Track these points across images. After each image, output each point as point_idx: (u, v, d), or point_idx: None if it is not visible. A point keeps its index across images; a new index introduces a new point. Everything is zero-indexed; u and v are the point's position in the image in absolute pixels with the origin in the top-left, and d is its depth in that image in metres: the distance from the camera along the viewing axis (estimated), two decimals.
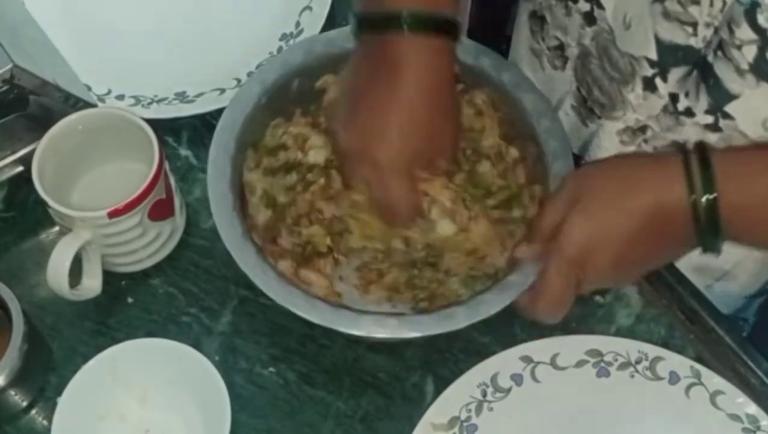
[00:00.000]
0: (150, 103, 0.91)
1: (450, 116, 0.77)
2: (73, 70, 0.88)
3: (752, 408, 0.77)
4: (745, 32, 0.67)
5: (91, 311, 0.83)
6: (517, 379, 0.78)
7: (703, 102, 0.74)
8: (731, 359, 0.81)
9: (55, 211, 0.77)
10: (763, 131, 0.73)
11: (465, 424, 0.77)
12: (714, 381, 0.78)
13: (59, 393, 0.76)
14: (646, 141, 0.80)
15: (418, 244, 0.77)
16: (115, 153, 0.83)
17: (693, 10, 0.70)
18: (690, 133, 0.76)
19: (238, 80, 0.92)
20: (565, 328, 0.81)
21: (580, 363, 0.79)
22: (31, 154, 0.79)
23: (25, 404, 0.79)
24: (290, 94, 0.81)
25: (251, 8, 0.98)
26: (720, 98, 0.72)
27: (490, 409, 0.77)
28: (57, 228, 0.84)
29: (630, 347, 0.79)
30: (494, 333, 0.82)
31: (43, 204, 0.77)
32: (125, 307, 0.84)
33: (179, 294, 0.84)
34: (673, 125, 0.77)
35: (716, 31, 0.69)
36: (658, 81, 0.75)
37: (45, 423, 0.79)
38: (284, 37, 0.96)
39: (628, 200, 0.70)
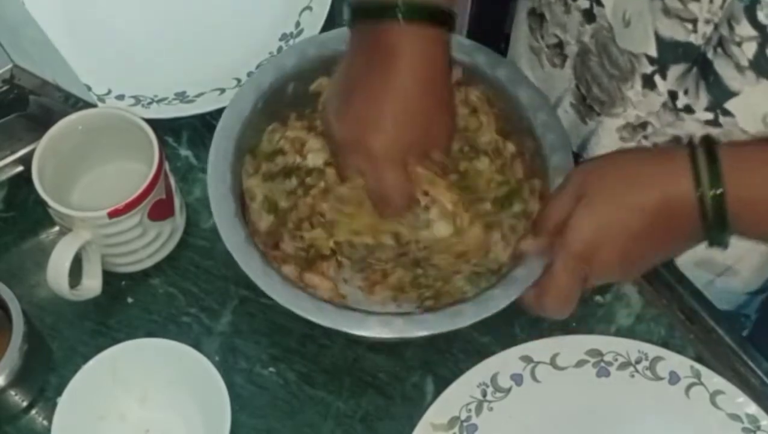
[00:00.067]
0: (150, 103, 0.91)
1: (445, 107, 0.77)
2: (73, 70, 0.88)
3: (752, 408, 0.77)
4: (745, 29, 0.67)
5: (91, 311, 0.83)
6: (517, 379, 0.78)
7: (702, 99, 0.74)
8: (731, 359, 0.81)
9: (55, 211, 0.77)
10: (764, 127, 0.73)
11: (465, 424, 0.77)
12: (714, 380, 0.78)
13: (59, 393, 0.76)
14: (646, 137, 0.80)
15: (408, 240, 0.76)
16: (115, 153, 0.83)
17: (693, 6, 0.70)
18: (691, 128, 0.76)
19: (238, 80, 0.92)
20: (565, 328, 0.81)
21: (580, 363, 0.79)
22: (31, 154, 0.79)
23: (25, 404, 0.79)
24: (285, 98, 0.81)
25: (251, 8, 0.98)
26: (720, 95, 0.72)
27: (490, 409, 0.77)
28: (57, 228, 0.84)
29: (630, 347, 0.79)
30: (494, 333, 0.82)
31: (43, 204, 0.77)
32: (125, 307, 0.84)
33: (179, 294, 0.84)
34: (673, 121, 0.77)
35: (716, 27, 0.69)
36: (657, 78, 0.75)
37: (45, 423, 0.79)
38: (284, 37, 0.96)
39: (634, 195, 0.70)
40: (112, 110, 0.83)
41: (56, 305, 0.82)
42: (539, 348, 0.79)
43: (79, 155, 0.82)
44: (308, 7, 0.97)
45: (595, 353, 0.79)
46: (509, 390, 0.78)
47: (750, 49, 0.68)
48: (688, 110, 0.75)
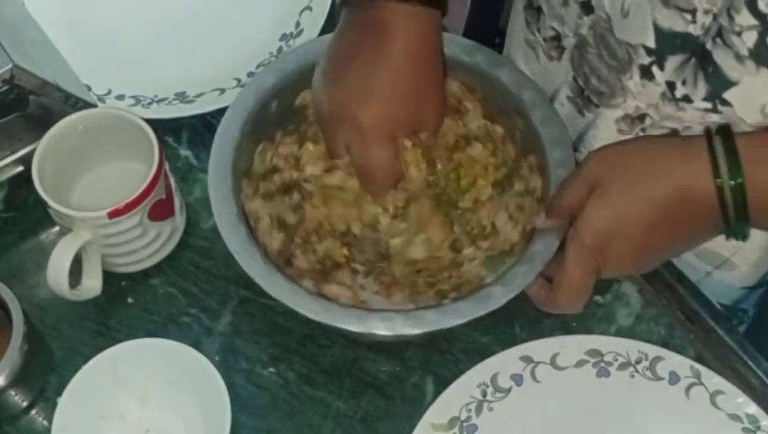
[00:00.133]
0: (150, 104, 0.91)
1: (436, 86, 0.78)
2: (73, 70, 0.88)
3: (752, 408, 0.77)
4: (745, 18, 0.67)
5: (91, 312, 0.83)
6: (517, 379, 0.78)
7: (701, 89, 0.73)
8: (731, 359, 0.81)
9: (55, 211, 0.77)
10: (762, 118, 0.72)
11: (465, 424, 0.77)
12: (714, 381, 0.78)
13: (59, 393, 0.76)
14: (644, 130, 0.80)
15: (378, 230, 0.78)
16: (115, 153, 0.83)
17: None
18: (689, 117, 0.76)
19: (238, 80, 0.92)
20: (565, 328, 0.81)
21: (580, 363, 0.79)
22: (31, 154, 0.79)
23: (25, 404, 0.79)
24: (269, 117, 0.80)
25: (251, 8, 0.98)
26: (719, 85, 0.72)
27: (490, 409, 0.77)
28: (57, 228, 0.84)
29: (630, 347, 0.79)
30: (494, 333, 0.82)
31: (43, 204, 0.77)
32: (125, 307, 0.84)
33: (179, 294, 0.84)
34: (673, 112, 0.77)
35: (715, 17, 0.69)
36: (654, 69, 0.75)
37: (45, 423, 0.79)
38: (284, 37, 0.96)
39: (650, 186, 0.69)
40: (112, 110, 0.83)
41: (56, 306, 0.82)
42: (539, 348, 0.79)
43: (79, 155, 0.82)
44: (308, 7, 0.97)
45: (595, 353, 0.79)
46: (509, 390, 0.78)
47: (750, 38, 0.68)
48: (687, 100, 0.75)
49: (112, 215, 0.76)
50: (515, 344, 0.79)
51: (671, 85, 0.75)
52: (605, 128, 0.82)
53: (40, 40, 0.88)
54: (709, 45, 0.70)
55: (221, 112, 0.80)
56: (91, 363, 0.76)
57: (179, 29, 0.98)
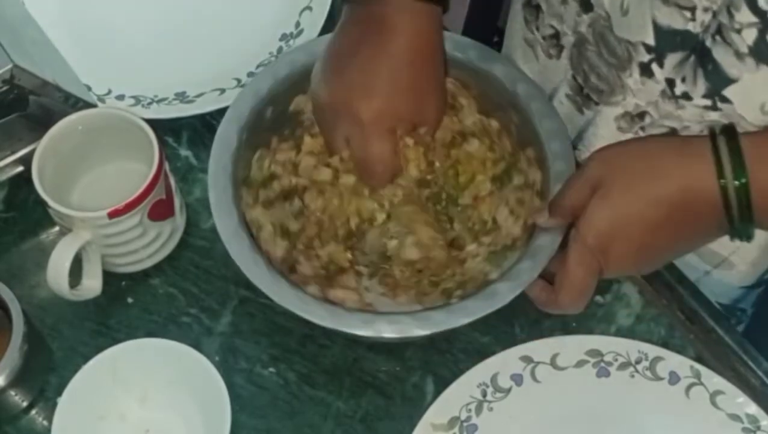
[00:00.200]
0: (150, 104, 0.91)
1: (436, 82, 0.78)
2: (73, 70, 0.88)
3: (752, 408, 0.77)
4: (745, 16, 0.67)
5: (91, 312, 0.83)
6: (517, 379, 0.78)
7: (700, 87, 0.73)
8: (731, 359, 0.81)
9: (55, 211, 0.77)
10: (761, 115, 0.72)
11: (465, 424, 0.77)
12: (714, 381, 0.78)
13: (59, 393, 0.76)
14: (643, 128, 0.80)
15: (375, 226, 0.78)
16: (115, 153, 0.83)
17: None
18: (690, 115, 0.76)
19: (238, 80, 0.92)
20: (565, 328, 0.81)
21: (580, 363, 0.79)
22: (31, 154, 0.79)
23: (25, 404, 0.79)
24: (265, 123, 0.80)
25: (251, 8, 0.98)
26: (718, 82, 0.72)
27: (490, 409, 0.77)
28: (57, 228, 0.84)
29: (630, 347, 0.79)
30: (494, 333, 0.82)
31: (43, 204, 0.77)
32: (125, 307, 0.84)
33: (179, 294, 0.84)
34: (672, 110, 0.77)
35: (714, 15, 0.69)
36: (654, 66, 0.75)
37: (45, 423, 0.79)
38: (284, 37, 0.96)
39: (653, 187, 0.69)
40: (112, 110, 0.83)
41: (56, 306, 0.82)
42: (539, 348, 0.79)
43: (79, 155, 0.82)
44: (308, 7, 0.97)
45: (595, 353, 0.79)
46: (509, 390, 0.78)
47: (750, 35, 0.68)
48: (686, 97, 0.75)
49: (112, 215, 0.76)
50: (515, 344, 0.79)
51: (671, 83, 0.75)
52: (605, 126, 0.82)
53: (40, 40, 0.88)
54: (708, 42, 0.70)
55: (221, 112, 0.80)
56: (91, 363, 0.76)
57: (179, 29, 0.98)
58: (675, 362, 0.79)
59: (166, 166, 0.80)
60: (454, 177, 0.80)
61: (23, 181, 0.83)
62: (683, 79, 0.74)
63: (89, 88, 0.90)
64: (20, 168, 0.85)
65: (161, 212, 0.80)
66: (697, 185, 0.68)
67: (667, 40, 0.73)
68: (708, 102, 0.74)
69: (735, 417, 0.77)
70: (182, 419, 0.78)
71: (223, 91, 0.91)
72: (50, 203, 0.77)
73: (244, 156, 0.79)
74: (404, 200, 0.79)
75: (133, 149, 0.81)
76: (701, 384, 0.78)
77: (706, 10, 0.69)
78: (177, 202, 0.83)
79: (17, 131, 0.84)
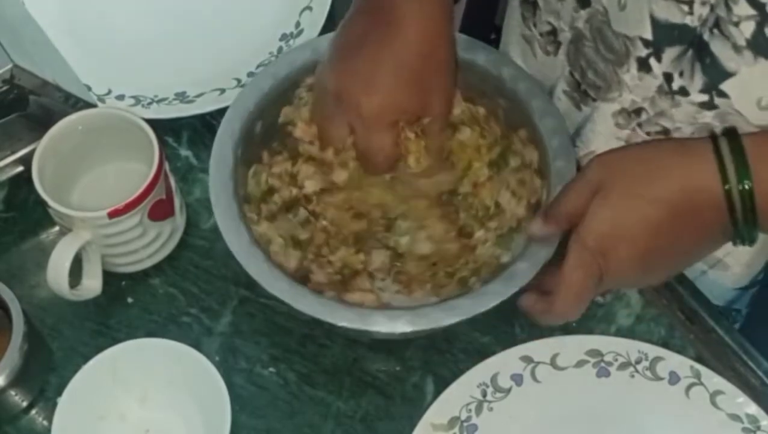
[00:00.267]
0: (150, 104, 0.91)
1: (444, 72, 0.78)
2: (73, 70, 0.88)
3: (752, 408, 0.77)
4: (743, 8, 0.67)
5: (91, 312, 0.83)
6: (517, 379, 0.78)
7: (697, 81, 0.73)
8: (731, 359, 0.81)
9: (55, 211, 0.77)
10: (758, 111, 0.72)
11: (465, 424, 0.77)
12: (714, 381, 0.78)
13: (59, 393, 0.76)
14: (640, 125, 0.80)
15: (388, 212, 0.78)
16: (115, 153, 0.83)
17: None
18: (683, 114, 0.76)
19: (238, 80, 0.92)
20: (565, 328, 0.81)
21: (580, 363, 0.79)
22: (31, 154, 0.79)
23: (25, 404, 0.79)
24: (255, 138, 0.80)
25: (251, 8, 0.98)
26: (716, 76, 0.72)
27: (490, 409, 0.77)
28: (57, 228, 0.84)
29: (630, 347, 0.79)
30: (494, 333, 0.82)
31: (43, 204, 0.77)
32: (125, 307, 0.84)
33: (179, 294, 0.84)
34: (667, 108, 0.77)
35: (712, 9, 0.69)
36: (652, 61, 0.75)
37: (45, 423, 0.79)
38: (284, 37, 0.96)
39: (655, 187, 0.68)
40: (112, 110, 0.83)
41: (56, 306, 0.82)
42: (539, 348, 0.79)
43: (79, 155, 0.82)
44: (308, 7, 0.97)
45: (595, 353, 0.79)
46: (509, 390, 0.78)
47: (748, 28, 0.67)
48: (683, 92, 0.75)
49: (112, 215, 0.76)
50: (515, 344, 0.79)
51: (668, 77, 0.75)
52: (602, 122, 0.82)
53: (40, 40, 0.88)
54: (706, 36, 0.70)
55: (221, 112, 0.80)
56: (91, 363, 0.76)
57: (179, 29, 0.98)
58: (675, 362, 0.79)
59: (166, 166, 0.80)
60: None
61: (23, 181, 0.83)
62: (681, 74, 0.74)
63: (89, 88, 0.90)
64: (20, 168, 0.85)
65: (161, 212, 0.80)
66: (699, 185, 0.67)
67: (664, 35, 0.73)
68: (705, 98, 0.74)
69: (735, 417, 0.77)
70: (182, 419, 0.78)
71: (223, 91, 0.91)
72: (50, 203, 0.77)
73: (242, 172, 0.79)
74: (416, 193, 0.79)
75: (133, 149, 0.80)
76: (701, 384, 0.78)
77: (703, 3, 0.69)
78: (177, 202, 0.83)
79: (17, 131, 0.84)
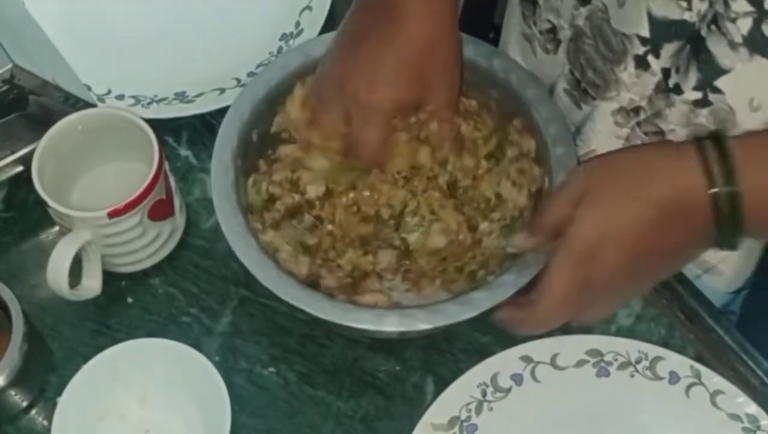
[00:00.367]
0: (150, 103, 0.91)
1: (448, 67, 0.78)
2: (73, 70, 0.88)
3: (752, 408, 0.77)
4: (741, 5, 0.67)
5: (91, 312, 0.83)
6: (517, 379, 0.78)
7: (692, 78, 0.73)
8: (731, 359, 0.81)
9: (55, 211, 0.77)
10: (750, 111, 0.72)
11: (465, 424, 0.77)
12: (714, 380, 0.78)
13: (59, 393, 0.76)
14: (639, 124, 0.80)
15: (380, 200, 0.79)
16: (115, 153, 0.83)
17: None
18: (678, 114, 0.76)
19: (238, 80, 0.92)
20: (565, 328, 0.81)
21: (580, 363, 0.79)
22: (31, 154, 0.79)
23: (25, 404, 0.79)
24: (252, 147, 0.80)
25: (251, 8, 0.98)
26: (710, 73, 0.72)
27: (490, 409, 0.77)
28: (57, 228, 0.84)
29: (630, 347, 0.79)
30: (494, 333, 0.81)
31: (43, 204, 0.77)
32: (125, 307, 0.84)
33: (179, 294, 0.84)
34: (662, 107, 0.77)
35: (711, 4, 0.69)
36: (650, 58, 0.75)
37: (45, 423, 0.79)
38: (284, 37, 0.96)
39: (641, 188, 0.66)
40: (112, 110, 0.83)
41: (56, 306, 0.82)
42: (539, 348, 0.79)
43: (79, 155, 0.82)
44: (308, 7, 0.97)
45: (595, 353, 0.79)
46: (509, 390, 0.78)
47: (745, 25, 0.67)
48: (677, 89, 0.75)
49: (112, 215, 0.76)
50: (515, 344, 0.79)
51: (666, 73, 0.75)
52: (602, 121, 0.82)
53: (40, 40, 0.88)
54: (704, 32, 0.70)
55: (221, 112, 0.80)
56: (91, 363, 0.76)
57: (179, 29, 0.98)
58: (675, 362, 0.79)
59: (166, 166, 0.80)
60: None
61: (23, 181, 0.83)
62: (677, 70, 0.74)
63: (89, 88, 0.90)
64: (20, 168, 0.85)
65: (161, 212, 0.80)
66: (686, 186, 0.65)
67: (662, 31, 0.73)
68: (698, 95, 0.73)
69: (735, 417, 0.77)
70: (182, 419, 0.78)
71: (223, 91, 0.91)
72: (50, 202, 0.77)
73: (243, 183, 0.79)
74: (428, 186, 0.79)
75: (133, 149, 0.80)
76: (701, 383, 0.78)
77: None
78: (177, 202, 0.83)
79: (17, 131, 0.84)
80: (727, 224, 0.65)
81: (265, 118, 0.81)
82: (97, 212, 0.76)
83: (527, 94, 0.80)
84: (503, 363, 0.79)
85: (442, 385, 0.78)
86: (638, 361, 0.79)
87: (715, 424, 0.77)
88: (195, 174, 0.89)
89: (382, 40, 0.75)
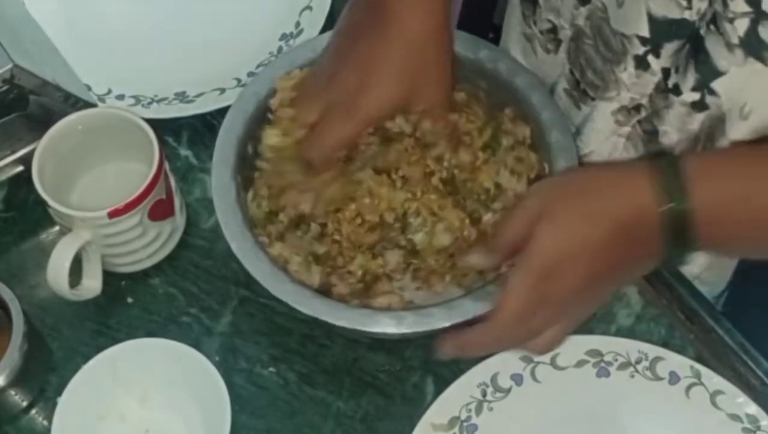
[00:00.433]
0: (150, 103, 0.91)
1: (440, 65, 0.78)
2: (73, 70, 0.88)
3: (752, 408, 0.77)
4: (739, 5, 0.67)
5: (91, 312, 0.83)
6: (517, 379, 0.78)
7: (690, 79, 0.73)
8: (731, 359, 0.81)
9: (55, 211, 0.77)
10: (740, 120, 0.72)
11: (465, 424, 0.77)
12: (714, 381, 0.78)
13: (59, 393, 0.76)
14: (640, 123, 0.80)
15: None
16: (115, 153, 0.83)
17: None
18: (673, 116, 0.76)
19: (238, 80, 0.92)
20: None
21: (580, 363, 0.79)
22: (31, 154, 0.79)
23: (25, 404, 0.79)
24: (248, 161, 0.80)
25: (251, 8, 0.98)
26: (707, 74, 0.72)
27: (490, 409, 0.77)
28: (57, 228, 0.84)
29: (630, 347, 0.79)
30: None
31: (43, 204, 0.77)
32: (125, 307, 0.84)
33: (179, 294, 0.84)
34: (661, 108, 0.77)
35: (711, 3, 0.69)
36: (650, 58, 0.75)
37: (45, 423, 0.79)
38: (284, 37, 0.96)
39: (599, 205, 0.68)
40: (112, 110, 0.83)
41: (56, 305, 0.82)
42: None
43: (79, 155, 0.82)
44: (308, 7, 0.97)
45: (595, 353, 0.79)
46: (509, 390, 0.78)
47: (742, 26, 0.67)
48: (676, 89, 0.75)
49: (112, 215, 0.76)
50: None
51: (666, 73, 0.75)
52: (602, 120, 0.82)
53: (40, 40, 0.88)
54: (703, 31, 0.70)
55: (221, 112, 0.80)
56: (91, 363, 0.76)
57: (179, 29, 0.98)
58: (675, 362, 0.79)
59: (166, 166, 0.80)
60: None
61: (23, 181, 0.83)
62: (677, 70, 0.74)
63: (89, 88, 0.90)
64: (20, 168, 0.85)
65: (161, 211, 0.80)
66: (639, 202, 0.67)
67: (662, 31, 0.73)
68: (696, 96, 0.74)
69: (735, 417, 0.77)
70: (182, 419, 0.78)
71: (223, 91, 0.91)
72: (50, 202, 0.77)
73: (244, 198, 0.78)
74: (426, 188, 0.79)
75: (133, 149, 0.81)
76: (701, 384, 0.78)
77: None
78: (177, 202, 0.83)
79: (17, 131, 0.84)
80: (674, 241, 0.67)
81: (259, 130, 0.80)
82: (97, 212, 0.76)
83: (517, 82, 0.80)
84: (503, 363, 0.79)
85: (442, 385, 0.78)
86: (638, 361, 0.79)
87: (715, 424, 0.77)
88: (195, 174, 0.89)
89: (375, 38, 0.76)
